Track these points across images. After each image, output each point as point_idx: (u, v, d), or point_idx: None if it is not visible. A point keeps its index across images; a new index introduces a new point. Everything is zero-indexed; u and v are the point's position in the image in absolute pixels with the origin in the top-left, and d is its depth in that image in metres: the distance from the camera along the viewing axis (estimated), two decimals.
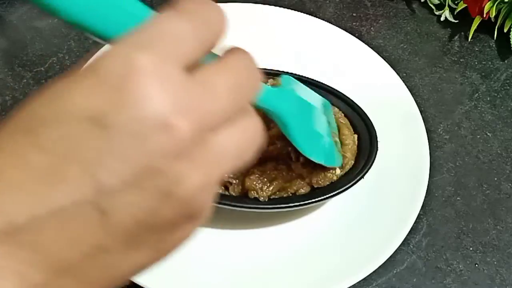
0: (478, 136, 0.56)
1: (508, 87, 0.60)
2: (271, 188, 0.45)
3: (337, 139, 0.48)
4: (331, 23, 0.60)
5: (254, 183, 0.44)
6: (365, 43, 0.58)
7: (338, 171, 0.46)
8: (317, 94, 0.48)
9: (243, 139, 0.24)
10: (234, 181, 0.45)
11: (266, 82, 0.49)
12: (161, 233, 0.24)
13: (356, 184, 0.46)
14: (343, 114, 0.50)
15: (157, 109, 0.21)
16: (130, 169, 0.21)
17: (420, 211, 0.48)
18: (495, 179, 0.53)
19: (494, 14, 0.59)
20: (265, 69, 0.52)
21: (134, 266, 0.24)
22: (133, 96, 0.21)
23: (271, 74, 0.52)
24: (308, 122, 0.43)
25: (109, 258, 0.23)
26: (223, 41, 0.26)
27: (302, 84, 0.46)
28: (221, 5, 0.65)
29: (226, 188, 0.45)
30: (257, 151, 0.25)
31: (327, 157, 0.45)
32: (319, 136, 0.44)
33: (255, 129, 0.25)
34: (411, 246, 0.49)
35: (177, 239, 0.25)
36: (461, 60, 0.61)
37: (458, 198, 0.52)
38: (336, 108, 0.50)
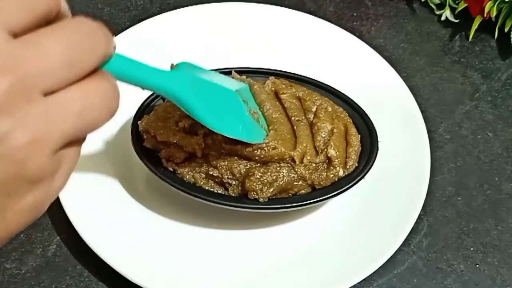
0: (479, 136, 0.56)
1: (509, 87, 0.60)
2: (271, 189, 0.45)
3: (260, 115, 0.47)
4: (332, 23, 0.60)
5: (254, 184, 0.44)
6: (366, 43, 0.58)
7: (341, 172, 0.46)
8: (227, 78, 0.48)
9: (87, 100, 0.24)
10: (234, 182, 0.45)
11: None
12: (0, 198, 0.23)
13: (357, 184, 0.46)
14: (347, 114, 0.50)
15: None
16: None
17: (421, 211, 0.48)
18: (496, 179, 0.53)
19: (494, 14, 0.59)
20: (265, 69, 0.52)
21: None
22: None
23: (271, 74, 0.52)
24: (215, 100, 0.43)
25: None
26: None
27: (204, 69, 0.45)
28: (222, 4, 0.65)
29: (226, 189, 0.45)
30: (108, 117, 0.25)
31: (246, 133, 0.44)
32: (231, 112, 0.44)
33: (103, 92, 0.25)
34: (412, 247, 0.49)
35: (24, 207, 0.24)
36: (461, 60, 0.61)
37: (459, 198, 0.52)
38: (340, 108, 0.50)
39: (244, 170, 0.45)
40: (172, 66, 0.43)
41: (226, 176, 0.45)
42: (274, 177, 0.45)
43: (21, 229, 0.25)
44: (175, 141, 0.45)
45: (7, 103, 0.22)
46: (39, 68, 0.23)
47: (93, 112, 0.25)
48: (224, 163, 0.45)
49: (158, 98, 0.50)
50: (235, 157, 0.45)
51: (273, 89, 0.49)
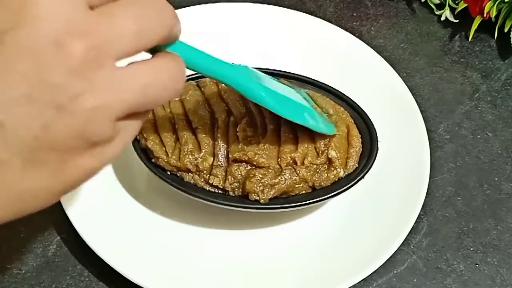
0: (479, 136, 0.56)
1: (508, 87, 0.60)
2: (272, 192, 0.45)
3: (323, 113, 0.48)
4: (332, 23, 0.60)
5: (255, 186, 0.44)
6: (366, 43, 0.58)
7: (341, 173, 0.46)
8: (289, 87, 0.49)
9: (153, 76, 0.26)
10: (235, 184, 0.45)
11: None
12: (61, 154, 0.24)
13: (356, 184, 0.46)
14: (348, 114, 0.50)
15: (51, 28, 0.23)
16: (25, 83, 0.23)
17: (420, 211, 0.48)
18: (496, 179, 0.53)
19: (494, 14, 0.59)
20: (265, 69, 0.52)
21: (34, 186, 0.25)
22: (30, 16, 0.23)
23: (271, 74, 0.52)
24: (279, 91, 0.44)
25: (7, 173, 0.24)
26: None
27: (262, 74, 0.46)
28: (221, 5, 0.65)
29: (226, 191, 0.45)
30: (170, 96, 0.27)
31: (315, 123, 0.46)
32: (297, 104, 0.45)
33: (170, 71, 0.27)
34: (412, 246, 0.49)
35: (81, 166, 0.26)
36: (461, 60, 0.61)
37: (458, 198, 0.52)
38: (342, 108, 0.50)
39: (245, 171, 0.45)
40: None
41: (228, 183, 0.45)
42: (276, 179, 0.45)
43: (75, 187, 0.26)
44: (164, 157, 0.45)
45: (82, 66, 0.23)
46: (111, 36, 0.24)
47: (158, 89, 0.26)
48: (223, 173, 0.45)
49: None
50: (235, 164, 0.45)
51: None
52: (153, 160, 0.45)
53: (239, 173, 0.45)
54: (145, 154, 0.46)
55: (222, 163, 0.45)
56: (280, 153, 0.45)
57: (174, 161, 0.45)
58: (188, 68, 0.31)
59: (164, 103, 0.27)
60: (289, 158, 0.45)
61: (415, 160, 0.50)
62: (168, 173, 0.45)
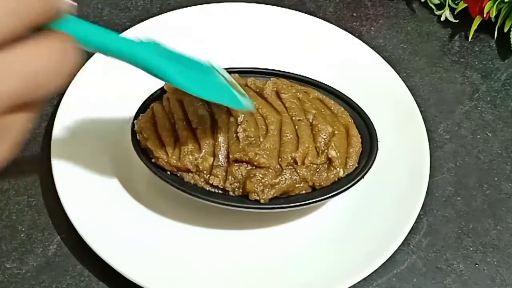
0: (479, 136, 0.56)
1: (508, 87, 0.60)
2: (272, 191, 0.45)
3: (238, 87, 0.45)
4: (331, 23, 0.60)
5: (255, 186, 0.44)
6: (365, 43, 0.58)
7: (341, 173, 0.46)
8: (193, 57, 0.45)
9: (34, 61, 0.22)
10: (235, 184, 0.45)
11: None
12: None
13: (356, 184, 0.46)
14: (348, 114, 0.50)
15: None
16: None
17: (420, 211, 0.48)
18: (496, 179, 0.53)
19: (494, 14, 0.59)
20: (264, 69, 0.52)
21: None
22: None
23: (272, 75, 0.52)
24: (190, 68, 0.40)
25: None
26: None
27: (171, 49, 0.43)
28: (222, 5, 0.65)
29: (226, 191, 0.45)
30: (58, 81, 0.23)
31: (230, 98, 0.43)
32: (210, 80, 0.42)
33: (54, 53, 0.23)
34: (412, 246, 0.49)
35: None
36: (461, 60, 0.61)
37: (458, 198, 0.52)
38: (342, 108, 0.50)
39: (245, 171, 0.45)
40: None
41: (228, 183, 0.45)
42: (276, 179, 0.45)
43: None
44: (164, 157, 0.45)
45: None
46: None
47: (42, 75, 0.22)
48: (223, 173, 0.45)
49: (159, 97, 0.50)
50: (236, 164, 0.45)
51: (274, 89, 0.49)
52: (153, 160, 0.45)
53: (240, 173, 0.45)
54: (145, 154, 0.46)
55: (222, 163, 0.45)
56: (280, 153, 0.45)
57: (174, 161, 0.45)
58: (84, 47, 0.27)
59: (54, 89, 0.23)
60: (290, 158, 0.45)
61: (415, 160, 0.50)
62: (168, 173, 0.45)
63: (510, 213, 0.51)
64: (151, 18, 0.59)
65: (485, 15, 0.59)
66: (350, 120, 0.49)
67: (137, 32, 0.57)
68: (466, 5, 0.61)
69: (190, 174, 0.45)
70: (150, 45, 0.39)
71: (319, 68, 0.56)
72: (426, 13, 0.65)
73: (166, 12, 0.60)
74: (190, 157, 0.44)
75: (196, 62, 0.42)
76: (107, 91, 0.53)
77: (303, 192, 0.46)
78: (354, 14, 0.64)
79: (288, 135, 0.46)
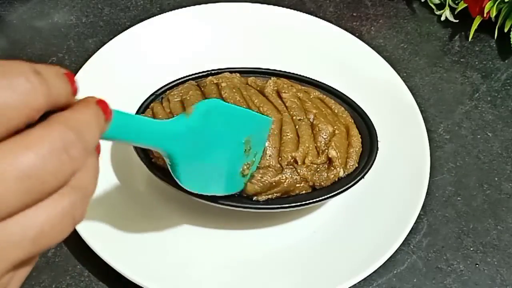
0: (479, 136, 0.56)
1: (508, 87, 0.60)
2: (272, 191, 0.45)
3: (252, 164, 0.44)
4: (332, 23, 0.60)
5: (256, 187, 0.44)
6: (366, 43, 0.58)
7: (341, 173, 0.46)
8: (252, 114, 0.44)
9: (47, 223, 0.21)
10: None
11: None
12: None
13: (356, 184, 0.46)
14: (348, 114, 0.50)
15: None
16: None
17: (420, 211, 0.48)
18: (496, 179, 0.53)
19: (494, 14, 0.59)
20: (265, 69, 0.52)
21: None
22: None
23: (272, 74, 0.52)
24: (208, 158, 0.39)
25: None
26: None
27: (229, 107, 0.41)
28: (221, 5, 0.65)
29: None
30: (66, 234, 0.22)
31: (221, 187, 0.42)
32: (220, 170, 0.41)
33: (67, 210, 0.22)
34: (412, 246, 0.49)
35: None
36: (461, 60, 0.61)
37: (458, 198, 0.52)
38: (342, 108, 0.50)
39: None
40: (189, 110, 0.37)
41: None
42: (277, 178, 0.45)
43: None
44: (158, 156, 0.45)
45: None
46: None
47: (52, 234, 0.21)
48: None
49: (158, 98, 0.50)
50: None
51: (275, 88, 0.49)
52: (153, 160, 0.45)
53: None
54: (145, 154, 0.46)
55: None
56: (281, 152, 0.45)
57: None
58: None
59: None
60: (290, 158, 0.45)
61: (415, 160, 0.50)
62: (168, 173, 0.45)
63: (510, 213, 0.51)
64: (151, 18, 0.59)
65: (485, 15, 0.59)
66: (350, 120, 0.49)
67: (137, 32, 0.57)
68: (466, 5, 0.61)
69: None
70: (179, 127, 0.35)
71: (319, 68, 0.56)
72: (426, 13, 0.65)
73: (166, 12, 0.60)
74: None
75: (228, 141, 0.40)
76: (107, 91, 0.53)
77: (303, 192, 0.46)
78: (354, 14, 0.64)
79: (288, 134, 0.46)
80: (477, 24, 0.60)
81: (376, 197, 0.49)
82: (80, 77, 0.53)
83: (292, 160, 0.45)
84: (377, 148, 0.48)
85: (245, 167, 0.43)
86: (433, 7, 0.64)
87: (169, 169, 0.37)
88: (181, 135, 0.35)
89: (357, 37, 0.59)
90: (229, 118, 0.40)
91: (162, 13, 0.59)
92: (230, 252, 0.47)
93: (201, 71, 0.51)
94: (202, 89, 0.49)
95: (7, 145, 0.20)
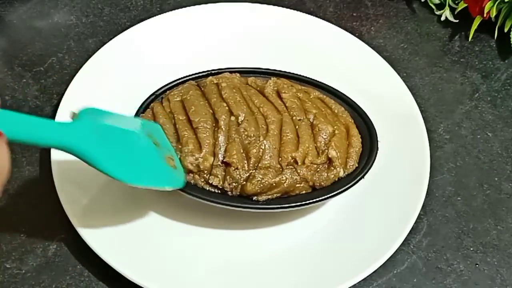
0: (479, 136, 0.56)
1: (508, 87, 0.60)
2: (273, 191, 0.45)
3: (174, 159, 0.44)
4: (332, 23, 0.60)
5: (256, 187, 0.44)
6: (366, 43, 0.58)
7: (341, 173, 0.46)
8: (135, 119, 0.45)
9: None
10: (234, 184, 0.45)
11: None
12: None
13: (356, 184, 0.46)
14: (348, 114, 0.50)
15: None
16: None
17: (420, 211, 0.48)
18: (496, 179, 0.53)
19: (494, 14, 0.59)
20: (265, 69, 0.52)
21: None
22: None
23: (272, 74, 0.52)
24: (122, 148, 0.40)
25: None
26: None
27: (109, 112, 0.42)
28: (222, 5, 0.65)
29: (225, 191, 0.45)
30: None
31: (160, 180, 0.43)
32: (142, 160, 0.41)
33: None
34: (412, 246, 0.49)
35: None
36: (461, 60, 0.61)
37: (458, 198, 0.52)
38: (342, 108, 0.50)
39: (245, 175, 0.45)
40: (73, 115, 0.39)
41: (227, 183, 0.45)
42: (277, 178, 0.45)
43: None
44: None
45: None
46: None
47: None
48: (223, 173, 0.45)
49: (158, 98, 0.50)
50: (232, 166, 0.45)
51: (275, 88, 0.49)
52: None
53: (238, 174, 0.45)
54: None
55: (222, 163, 0.45)
56: (281, 153, 0.45)
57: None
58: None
59: None
60: (290, 158, 0.45)
61: (415, 160, 0.50)
62: None
63: (510, 213, 0.51)
64: (151, 18, 0.59)
65: (485, 15, 0.59)
66: (350, 120, 0.49)
67: (137, 32, 0.57)
68: (466, 5, 0.61)
69: (190, 174, 0.45)
70: (80, 125, 0.38)
71: (319, 68, 0.56)
72: (426, 13, 0.65)
73: (166, 12, 0.60)
74: (191, 157, 0.44)
75: (132, 135, 0.41)
76: (107, 91, 0.53)
77: (303, 192, 0.46)
78: (354, 14, 0.64)
79: (288, 134, 0.46)
80: (477, 24, 0.60)
81: (376, 197, 0.49)
82: (80, 77, 0.53)
83: (292, 161, 0.45)
84: (377, 148, 0.48)
85: (168, 159, 0.44)
86: (433, 7, 0.64)
87: (93, 166, 0.38)
88: (78, 133, 0.37)
89: (357, 37, 0.59)
90: (115, 117, 0.42)
91: (162, 13, 0.59)
92: (230, 252, 0.47)
93: (201, 71, 0.51)
94: (202, 89, 0.49)
95: None
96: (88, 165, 0.38)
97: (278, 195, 0.45)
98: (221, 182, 0.45)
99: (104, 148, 0.39)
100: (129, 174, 0.40)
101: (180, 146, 0.45)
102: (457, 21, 0.63)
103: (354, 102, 0.51)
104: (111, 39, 0.56)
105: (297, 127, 0.47)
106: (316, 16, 0.60)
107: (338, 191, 0.46)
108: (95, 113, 0.41)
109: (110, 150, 0.39)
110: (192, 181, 0.45)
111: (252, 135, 0.46)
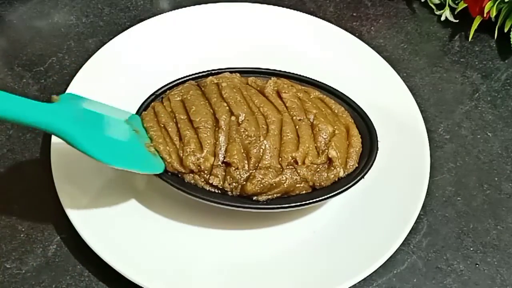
0: (479, 136, 0.56)
1: (508, 87, 0.60)
2: (273, 191, 0.45)
3: (153, 149, 0.45)
4: (332, 23, 0.60)
5: (256, 187, 0.44)
6: (366, 43, 0.58)
7: (341, 173, 0.46)
8: (115, 108, 0.46)
9: None
10: (234, 184, 0.45)
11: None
12: None
13: (357, 184, 0.46)
14: (348, 114, 0.50)
15: None
16: None
17: (420, 211, 0.48)
18: (496, 179, 0.53)
19: (494, 14, 0.59)
20: (265, 69, 0.52)
21: None
22: None
23: (272, 74, 0.52)
24: (103, 131, 0.42)
25: None
26: None
27: (90, 99, 0.43)
28: (222, 5, 0.65)
29: (225, 191, 0.45)
30: None
31: (139, 164, 0.43)
32: (123, 143, 0.43)
33: None
34: (412, 246, 0.49)
35: None
36: (461, 60, 0.61)
37: (458, 198, 0.52)
38: (342, 108, 0.50)
39: (246, 175, 0.45)
40: (54, 99, 0.41)
41: (227, 183, 0.45)
42: (277, 179, 0.45)
43: None
44: (167, 158, 0.45)
45: None
46: None
47: None
48: (223, 173, 0.45)
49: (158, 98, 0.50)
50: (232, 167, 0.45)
51: (275, 88, 0.49)
52: None
53: (238, 174, 0.45)
54: None
55: (222, 163, 0.45)
56: (281, 153, 0.45)
57: (178, 165, 0.45)
58: None
59: None
60: (290, 158, 0.45)
61: (415, 160, 0.50)
62: (169, 173, 0.45)
63: (510, 213, 0.51)
64: (151, 18, 0.59)
65: (485, 15, 0.59)
66: (350, 120, 0.49)
67: (137, 32, 0.57)
68: (466, 5, 0.61)
69: (191, 174, 0.45)
70: (62, 107, 0.40)
71: (319, 68, 0.56)
72: (426, 13, 0.65)
73: (166, 12, 0.60)
74: (192, 157, 0.44)
75: (113, 120, 0.43)
76: (107, 91, 0.53)
77: (303, 192, 0.46)
78: (354, 14, 0.64)
79: (288, 134, 0.46)
80: (477, 24, 0.60)
81: (376, 197, 0.49)
82: (80, 77, 0.53)
83: (292, 161, 0.45)
84: (377, 148, 0.48)
85: (148, 145, 0.45)
86: (433, 7, 0.64)
87: (75, 147, 0.39)
88: (59, 113, 0.39)
89: (357, 37, 0.59)
90: (95, 103, 0.44)
91: (162, 13, 0.59)
92: (230, 252, 0.47)
93: (201, 71, 0.51)
94: (202, 89, 0.49)
95: None
96: (68, 144, 0.39)
97: (278, 195, 0.45)
98: (221, 182, 0.45)
99: (84, 128, 0.40)
100: (108, 155, 0.41)
101: (182, 145, 0.45)
102: (457, 21, 0.63)
103: (354, 102, 0.51)
104: (111, 39, 0.57)
105: (297, 127, 0.47)
106: (316, 16, 0.60)
107: (338, 191, 0.46)
108: (76, 98, 0.42)
109: (90, 131, 0.41)
110: (192, 181, 0.45)
111: (252, 135, 0.46)
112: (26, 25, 0.61)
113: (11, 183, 0.50)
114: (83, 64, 0.54)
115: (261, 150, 0.45)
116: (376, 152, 0.48)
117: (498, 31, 0.61)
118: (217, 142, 0.45)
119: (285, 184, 0.45)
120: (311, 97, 0.50)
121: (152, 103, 0.49)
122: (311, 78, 0.52)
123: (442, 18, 0.63)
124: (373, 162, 0.47)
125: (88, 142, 0.40)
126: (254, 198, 0.45)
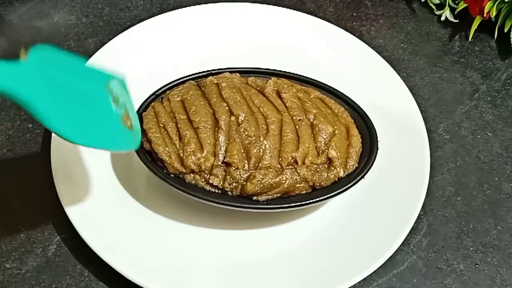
0: (479, 136, 0.56)
1: (508, 87, 0.60)
2: (273, 192, 0.45)
3: (132, 118, 0.42)
4: (332, 23, 0.60)
5: (256, 188, 0.44)
6: (366, 43, 0.58)
7: (341, 173, 0.46)
8: (98, 69, 0.41)
9: None
10: (234, 184, 0.45)
11: None
12: None
13: (357, 184, 0.46)
14: (348, 114, 0.50)
15: None
16: None
17: (420, 211, 0.48)
18: (496, 179, 0.53)
19: (494, 14, 0.59)
20: (265, 69, 0.52)
21: None
22: None
23: (272, 74, 0.52)
24: (72, 101, 0.36)
25: None
26: None
27: (68, 55, 0.38)
28: (221, 5, 0.65)
29: (225, 191, 0.45)
30: None
31: (110, 142, 0.40)
32: (93, 116, 0.38)
33: None
34: (412, 246, 0.49)
35: None
36: (461, 60, 0.61)
37: (458, 198, 0.52)
38: (342, 108, 0.50)
39: (246, 175, 0.45)
40: (22, 54, 0.35)
41: (227, 183, 0.45)
42: (277, 179, 0.45)
43: None
44: (167, 159, 0.45)
45: None
46: None
47: None
48: (223, 173, 0.45)
49: (159, 98, 0.50)
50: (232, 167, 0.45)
51: (275, 88, 0.49)
52: (157, 162, 0.45)
53: (238, 174, 0.45)
54: (146, 154, 0.46)
55: (222, 163, 0.45)
56: (281, 153, 0.45)
57: (179, 166, 0.45)
58: None
59: None
60: (290, 158, 0.45)
61: (415, 160, 0.50)
62: (169, 174, 0.45)
63: (510, 213, 0.51)
64: (151, 18, 0.59)
65: (485, 15, 0.59)
66: (350, 120, 0.49)
67: (137, 32, 0.57)
68: (466, 5, 0.61)
69: (191, 174, 0.45)
70: (28, 67, 0.34)
71: (319, 68, 0.56)
72: (426, 13, 0.65)
73: (166, 12, 0.60)
74: (193, 157, 0.45)
75: (87, 86, 0.38)
76: None
77: (303, 192, 0.46)
78: (354, 14, 0.64)
79: (288, 134, 0.46)
80: (477, 24, 0.60)
81: (376, 197, 0.49)
82: None
83: (292, 161, 0.45)
84: (377, 148, 0.48)
85: (125, 118, 0.41)
86: (433, 7, 0.64)
87: (36, 118, 0.35)
88: (22, 76, 0.34)
89: (357, 37, 0.59)
90: (72, 63, 0.38)
91: (162, 13, 0.59)
92: (230, 252, 0.47)
93: (201, 71, 0.51)
94: (202, 89, 0.49)
95: None
96: (30, 114, 0.35)
97: (278, 195, 0.45)
98: (221, 182, 0.45)
99: (50, 98, 0.35)
100: (75, 131, 0.37)
101: (182, 145, 0.45)
102: (457, 21, 0.63)
103: (354, 102, 0.51)
104: (111, 39, 0.57)
105: (297, 127, 0.47)
106: (316, 16, 0.60)
107: (338, 191, 0.46)
108: (49, 55, 0.37)
109: (57, 101, 0.35)
110: (192, 181, 0.45)
111: (252, 135, 0.46)
112: (26, 25, 0.61)
113: (11, 183, 0.50)
114: None
115: (261, 150, 0.45)
116: (376, 152, 0.48)
117: (498, 31, 0.61)
118: (217, 142, 0.45)
119: (285, 184, 0.45)
120: (311, 97, 0.50)
121: (152, 103, 0.49)
122: (311, 78, 0.52)
123: (442, 18, 0.63)
124: (373, 162, 0.47)
125: (50, 114, 0.35)
126: (254, 198, 0.45)
